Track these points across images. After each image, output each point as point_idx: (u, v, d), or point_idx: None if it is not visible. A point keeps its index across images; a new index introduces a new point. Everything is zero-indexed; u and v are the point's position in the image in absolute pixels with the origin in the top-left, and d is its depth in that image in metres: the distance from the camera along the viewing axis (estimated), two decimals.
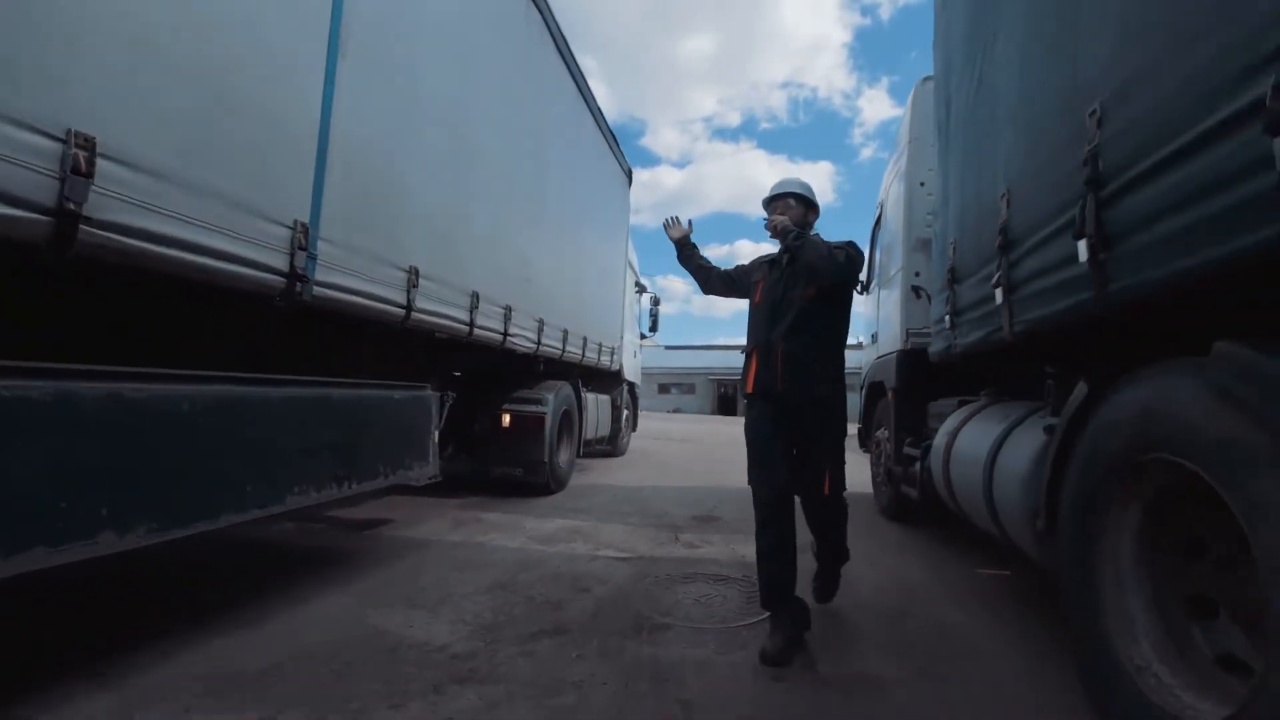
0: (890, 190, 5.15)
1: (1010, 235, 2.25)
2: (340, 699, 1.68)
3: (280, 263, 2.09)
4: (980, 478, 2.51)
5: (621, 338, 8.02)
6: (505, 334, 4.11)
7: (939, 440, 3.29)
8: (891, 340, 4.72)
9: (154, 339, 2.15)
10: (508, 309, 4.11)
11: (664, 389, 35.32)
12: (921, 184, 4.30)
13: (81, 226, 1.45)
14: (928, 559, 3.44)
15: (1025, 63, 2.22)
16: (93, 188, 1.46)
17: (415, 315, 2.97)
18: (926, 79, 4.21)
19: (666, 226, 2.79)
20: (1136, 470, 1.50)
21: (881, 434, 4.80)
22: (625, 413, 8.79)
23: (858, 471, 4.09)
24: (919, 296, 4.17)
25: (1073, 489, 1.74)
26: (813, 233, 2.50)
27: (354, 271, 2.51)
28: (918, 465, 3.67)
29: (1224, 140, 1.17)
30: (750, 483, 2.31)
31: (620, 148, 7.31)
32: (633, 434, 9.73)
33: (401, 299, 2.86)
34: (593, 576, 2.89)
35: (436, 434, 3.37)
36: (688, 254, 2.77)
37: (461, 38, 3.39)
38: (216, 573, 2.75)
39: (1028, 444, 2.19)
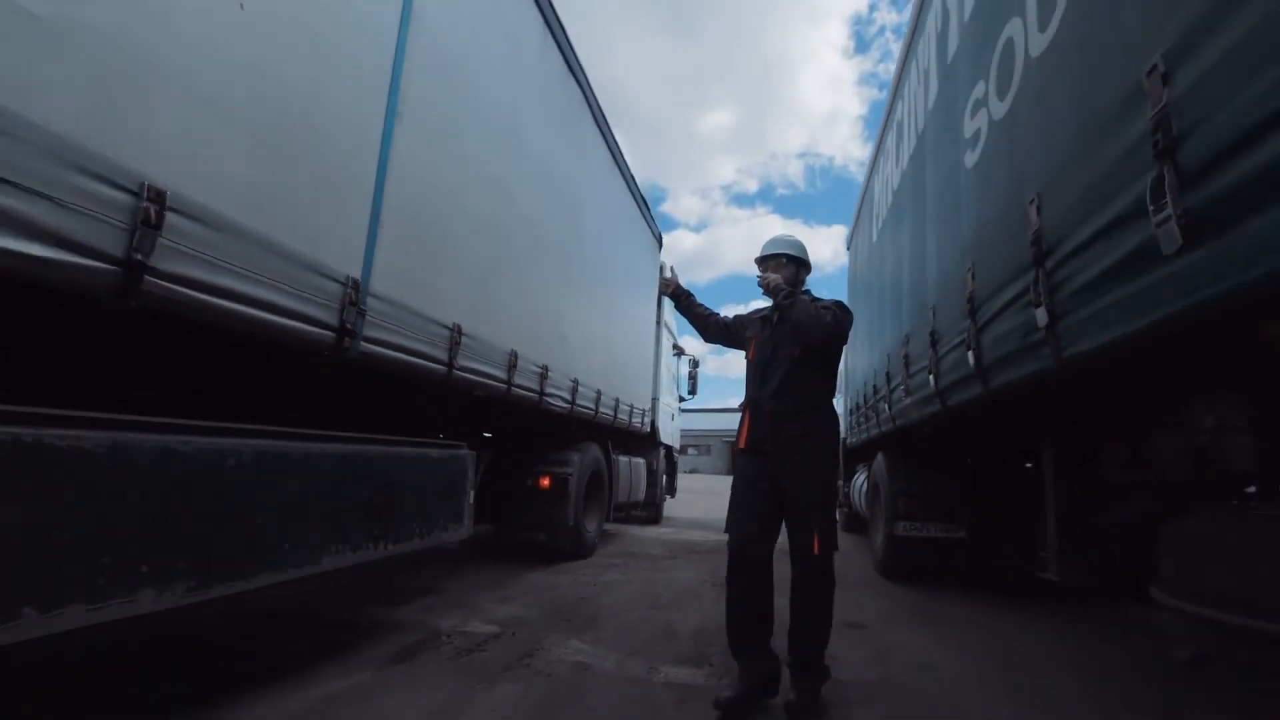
0: None
1: (858, 400, 6.90)
2: (639, 560, 5.45)
3: (330, 318, 2.14)
4: (858, 495, 6.64)
5: (656, 399, 8.01)
6: (541, 394, 4.14)
7: (852, 482, 7.48)
8: (842, 430, 9.69)
9: (194, 391, 2.19)
10: (544, 369, 4.16)
11: (681, 450, 36.32)
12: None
13: (146, 277, 1.50)
14: (852, 541, 6.94)
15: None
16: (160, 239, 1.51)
17: (456, 373, 3.00)
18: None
19: (661, 288, 3.00)
20: (877, 488, 5.23)
21: (839, 484, 8.62)
22: (663, 478, 8.62)
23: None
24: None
25: (869, 494, 5.74)
26: (803, 291, 2.51)
27: (399, 328, 2.55)
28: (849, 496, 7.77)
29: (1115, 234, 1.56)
30: (726, 530, 2.39)
31: (651, 213, 7.52)
32: (669, 499, 9.46)
33: (444, 356, 2.90)
34: (700, 542, 6.76)
35: (471, 494, 3.33)
36: (686, 304, 2.89)
37: (506, 105, 3.54)
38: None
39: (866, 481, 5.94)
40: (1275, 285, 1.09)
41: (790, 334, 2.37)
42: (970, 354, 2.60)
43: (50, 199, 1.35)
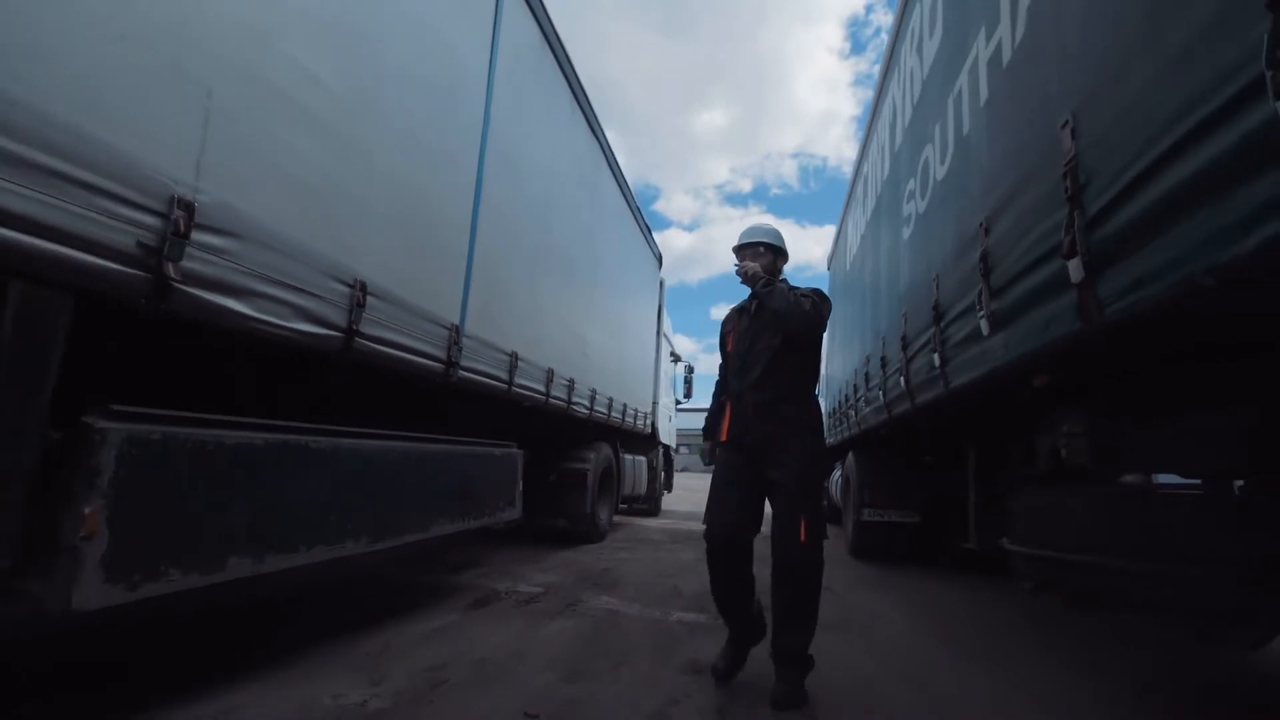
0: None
1: (834, 406, 7.89)
2: (644, 544, 6.41)
3: (442, 354, 2.98)
4: (834, 489, 7.73)
5: (656, 403, 8.93)
6: (569, 402, 5.02)
7: (830, 477, 8.20)
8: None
9: (357, 409, 2.89)
10: (571, 381, 5.03)
11: (675, 449, 37.11)
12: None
13: (356, 339, 2.34)
14: (828, 529, 7.77)
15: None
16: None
17: (514, 389, 3.87)
18: None
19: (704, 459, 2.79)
20: (848, 480, 6.07)
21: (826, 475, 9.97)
22: (661, 474, 9.62)
23: None
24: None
25: (842, 486, 6.75)
26: (781, 279, 2.49)
27: (481, 359, 3.37)
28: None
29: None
30: (704, 522, 2.38)
31: (652, 236, 8.44)
32: (666, 494, 10.45)
33: (506, 377, 3.75)
34: (696, 531, 7.58)
35: (521, 484, 4.19)
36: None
37: (545, 170, 4.36)
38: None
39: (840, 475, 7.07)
40: (1032, 361, 1.99)
41: (770, 323, 2.33)
42: (903, 379, 3.51)
43: (318, 296, 2.22)
